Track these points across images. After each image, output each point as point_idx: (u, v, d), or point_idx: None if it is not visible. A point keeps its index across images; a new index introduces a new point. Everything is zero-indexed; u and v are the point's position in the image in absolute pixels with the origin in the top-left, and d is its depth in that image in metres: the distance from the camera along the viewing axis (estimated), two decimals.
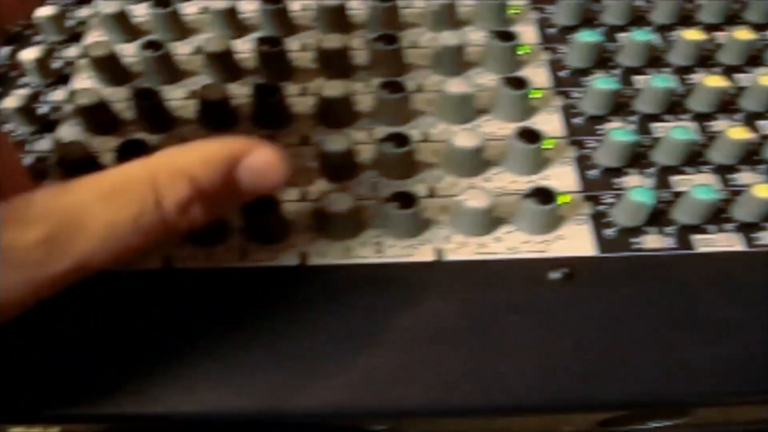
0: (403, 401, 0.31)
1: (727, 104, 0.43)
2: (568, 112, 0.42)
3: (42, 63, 0.43)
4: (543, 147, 0.38)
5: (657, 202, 0.36)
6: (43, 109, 0.42)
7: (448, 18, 0.45)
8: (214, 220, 0.32)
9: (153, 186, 0.26)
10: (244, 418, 0.31)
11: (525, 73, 0.43)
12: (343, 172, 0.38)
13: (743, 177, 0.39)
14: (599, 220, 0.37)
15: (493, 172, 0.39)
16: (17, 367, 0.32)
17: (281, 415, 0.31)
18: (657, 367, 0.32)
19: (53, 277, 0.25)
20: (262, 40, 0.42)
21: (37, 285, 0.25)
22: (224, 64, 0.42)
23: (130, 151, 0.36)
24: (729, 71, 0.45)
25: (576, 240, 0.36)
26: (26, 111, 0.40)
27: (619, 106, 0.42)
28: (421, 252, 0.36)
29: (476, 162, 0.38)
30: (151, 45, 0.42)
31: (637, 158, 0.40)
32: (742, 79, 0.44)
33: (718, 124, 0.41)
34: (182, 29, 0.46)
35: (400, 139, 0.37)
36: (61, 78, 0.44)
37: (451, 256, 0.36)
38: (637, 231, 0.37)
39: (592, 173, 0.39)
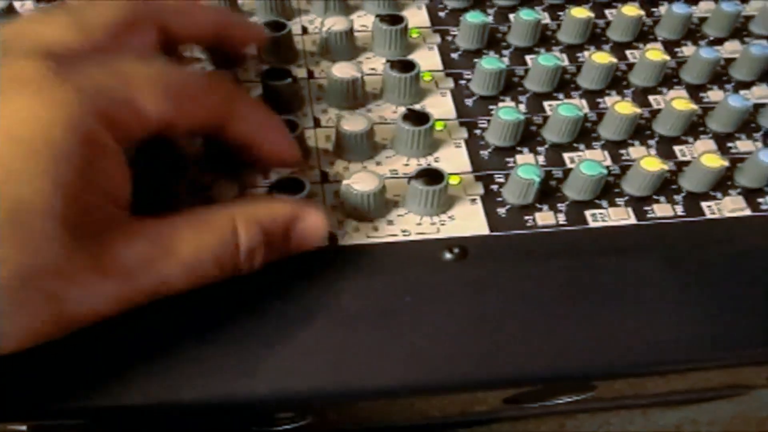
0: (298, 387, 0.31)
1: (617, 81, 0.43)
2: (460, 93, 0.42)
3: None
4: (433, 129, 0.38)
5: (544, 179, 0.36)
6: None
7: (338, 3, 0.45)
8: None
9: (233, 225, 0.30)
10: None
11: (416, 56, 0.43)
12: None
13: (634, 151, 0.40)
14: (492, 199, 0.37)
15: (386, 155, 0.38)
16: None
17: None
18: (556, 342, 0.32)
19: (134, 292, 0.28)
20: None
21: (119, 299, 0.27)
22: None
23: None
24: (618, 47, 0.45)
25: (468, 220, 0.36)
26: None
27: (511, 85, 0.42)
28: None
29: (366, 146, 0.37)
30: None
31: (529, 137, 0.40)
32: (631, 55, 0.45)
33: (609, 101, 0.42)
34: None
35: (290, 125, 0.36)
36: None
37: (345, 241, 0.35)
38: (529, 208, 0.37)
39: (484, 153, 0.39)
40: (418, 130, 0.37)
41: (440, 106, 0.41)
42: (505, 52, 0.44)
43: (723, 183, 0.39)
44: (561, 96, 0.42)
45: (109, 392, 0.30)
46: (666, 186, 0.38)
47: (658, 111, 0.41)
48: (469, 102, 0.41)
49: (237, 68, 0.42)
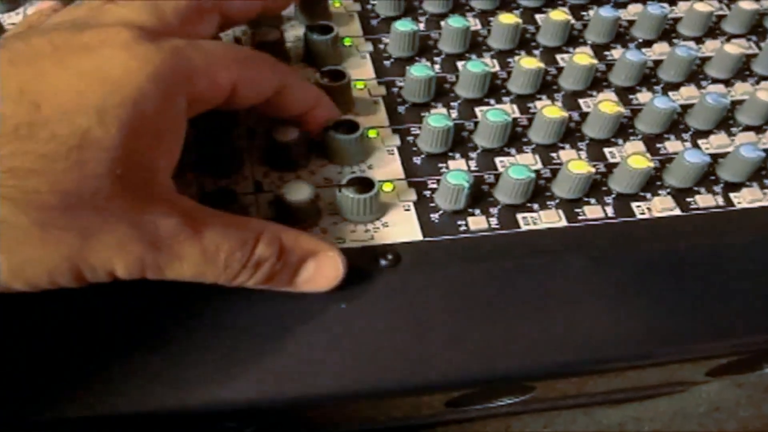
0: (232, 397, 0.31)
1: (547, 85, 0.44)
2: (392, 101, 0.42)
3: None
4: (364, 136, 0.38)
5: (476, 184, 0.37)
6: None
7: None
8: None
9: (258, 234, 0.31)
10: None
11: (347, 65, 0.43)
12: None
13: (564, 155, 0.40)
14: (425, 205, 0.37)
15: (319, 164, 0.38)
16: None
17: None
18: (491, 344, 0.33)
19: (151, 261, 0.28)
20: None
21: (136, 262, 0.28)
22: None
23: None
24: (548, 52, 0.46)
25: (402, 226, 0.36)
26: None
27: (443, 92, 0.42)
28: None
29: (296, 155, 0.37)
30: None
31: (461, 142, 0.40)
32: (561, 59, 0.45)
33: (539, 105, 0.42)
34: None
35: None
36: None
37: None
38: (462, 213, 0.37)
39: (417, 160, 0.39)
40: (348, 139, 0.37)
41: (372, 114, 0.41)
42: (437, 59, 0.44)
43: (653, 183, 0.39)
44: (492, 101, 0.42)
45: (50, 404, 0.30)
46: (596, 188, 0.39)
47: (587, 114, 0.41)
48: (401, 109, 0.41)
49: None
